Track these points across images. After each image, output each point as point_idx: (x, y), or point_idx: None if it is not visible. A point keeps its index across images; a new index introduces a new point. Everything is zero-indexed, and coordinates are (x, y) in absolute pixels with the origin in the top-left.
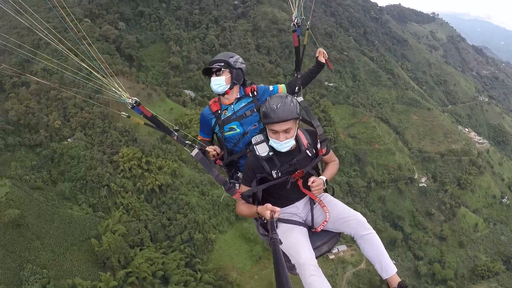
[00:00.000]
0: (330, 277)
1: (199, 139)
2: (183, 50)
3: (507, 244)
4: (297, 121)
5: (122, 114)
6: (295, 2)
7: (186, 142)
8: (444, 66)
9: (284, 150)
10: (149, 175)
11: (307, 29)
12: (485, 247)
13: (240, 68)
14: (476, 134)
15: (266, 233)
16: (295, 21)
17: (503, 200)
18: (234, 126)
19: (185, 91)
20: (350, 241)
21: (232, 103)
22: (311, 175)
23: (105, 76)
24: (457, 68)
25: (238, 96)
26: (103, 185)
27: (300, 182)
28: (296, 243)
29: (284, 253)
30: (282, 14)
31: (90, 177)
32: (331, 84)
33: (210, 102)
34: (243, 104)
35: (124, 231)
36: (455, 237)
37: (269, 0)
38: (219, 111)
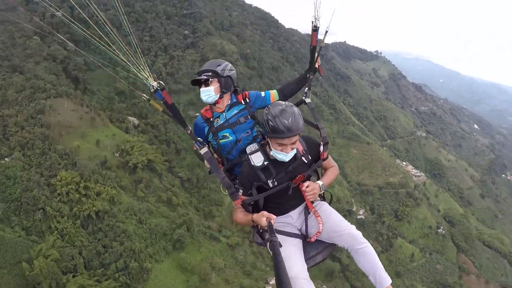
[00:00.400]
0: None
1: (194, 149)
2: (130, 76)
3: (442, 272)
4: None
5: (143, 96)
6: (317, 2)
7: (198, 138)
8: (384, 102)
9: (287, 159)
10: (86, 200)
11: (326, 32)
12: (421, 276)
13: (229, 76)
14: (413, 168)
15: (262, 241)
16: (316, 22)
17: (438, 230)
18: (227, 134)
19: (129, 117)
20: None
21: (223, 111)
22: (311, 178)
23: (132, 56)
24: (397, 104)
25: (229, 103)
26: (38, 208)
27: (301, 186)
28: (287, 256)
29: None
30: (231, 46)
31: (26, 199)
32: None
33: (202, 111)
34: (235, 112)
35: (57, 257)
36: (392, 268)
37: (218, 32)
38: (212, 119)
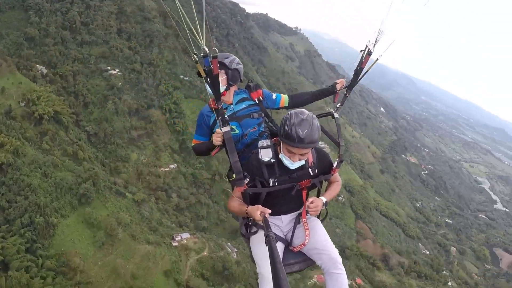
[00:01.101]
0: (174, 263)
1: (193, 143)
2: (42, 22)
3: (341, 235)
4: None
5: (194, 55)
6: (378, 31)
7: (225, 117)
8: (297, 76)
9: (292, 167)
10: None
11: (377, 59)
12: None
13: (236, 69)
14: (321, 143)
15: (246, 233)
16: (372, 48)
17: (339, 198)
18: (233, 127)
19: (37, 66)
20: (194, 229)
21: (231, 103)
22: (314, 188)
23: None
24: (309, 79)
25: (239, 97)
26: None
27: (304, 192)
28: (265, 255)
29: (253, 259)
30: (150, 2)
31: None
32: (186, 78)
33: (210, 101)
34: (244, 106)
35: None
36: None
37: None
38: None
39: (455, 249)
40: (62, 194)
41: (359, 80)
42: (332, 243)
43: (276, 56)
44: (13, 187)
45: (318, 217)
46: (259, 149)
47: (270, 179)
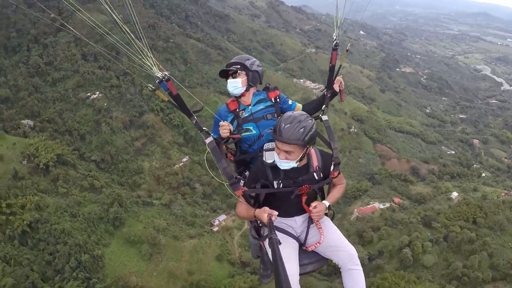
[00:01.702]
0: (221, 246)
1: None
2: (8, 79)
3: (365, 164)
4: (305, 148)
5: (149, 86)
6: (337, 22)
7: (203, 128)
8: (268, 30)
9: (282, 167)
10: (14, 218)
11: (347, 50)
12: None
13: (257, 71)
14: (311, 82)
15: (257, 237)
16: (337, 40)
17: (350, 130)
18: (250, 127)
19: (23, 121)
20: (227, 209)
21: (249, 104)
22: (316, 193)
23: (139, 48)
24: (281, 29)
25: (258, 99)
26: None
27: (303, 198)
28: (284, 255)
29: (270, 260)
30: (102, 16)
31: None
32: (165, 73)
33: (228, 101)
34: (262, 107)
35: (12, 282)
36: None
37: (86, 6)
38: (238, 110)
39: (477, 140)
40: (95, 226)
41: (335, 76)
42: (346, 239)
43: (241, 19)
44: (50, 239)
45: (326, 215)
46: (264, 151)
47: (274, 181)
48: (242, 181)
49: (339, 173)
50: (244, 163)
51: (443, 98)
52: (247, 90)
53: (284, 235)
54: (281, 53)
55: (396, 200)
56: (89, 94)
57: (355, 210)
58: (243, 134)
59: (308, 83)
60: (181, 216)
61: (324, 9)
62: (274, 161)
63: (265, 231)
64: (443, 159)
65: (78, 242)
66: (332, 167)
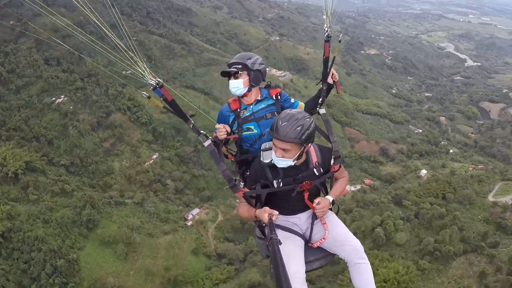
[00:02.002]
0: (197, 240)
1: (213, 136)
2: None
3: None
4: (302, 147)
5: (143, 94)
6: (328, 14)
7: (201, 132)
8: (231, 21)
9: (279, 165)
10: None
11: (339, 41)
12: None
13: (259, 70)
14: (277, 70)
15: (263, 237)
16: (328, 32)
17: (319, 115)
18: (252, 127)
19: None
20: (200, 202)
21: (251, 104)
22: (318, 189)
23: (132, 56)
24: (244, 19)
25: (259, 98)
26: None
27: (305, 194)
28: (289, 253)
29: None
30: (62, 20)
31: None
32: (129, 72)
33: (230, 100)
34: (263, 106)
35: None
36: None
37: (45, 9)
38: (239, 110)
39: (444, 118)
40: (69, 230)
41: (330, 69)
42: (351, 234)
43: (203, 12)
44: (23, 248)
45: (331, 209)
46: (261, 152)
47: (274, 181)
48: (242, 183)
49: (340, 167)
50: (246, 163)
51: (408, 77)
52: (249, 90)
53: (289, 233)
54: (246, 43)
55: (367, 181)
56: (54, 98)
57: (366, 180)
58: (245, 133)
59: (274, 71)
60: (155, 213)
61: None
62: (271, 160)
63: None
64: (411, 138)
65: (52, 248)
66: (332, 161)
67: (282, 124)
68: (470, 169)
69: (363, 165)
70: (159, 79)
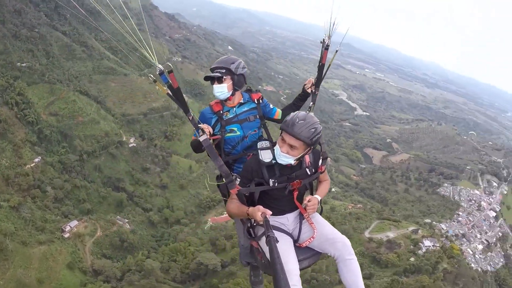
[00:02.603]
0: (73, 254)
1: (192, 139)
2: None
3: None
4: (308, 148)
5: (150, 76)
6: (330, 25)
7: (199, 125)
8: (137, 33)
9: (279, 161)
10: None
11: (337, 51)
12: (204, 184)
13: (242, 74)
14: None
15: (251, 237)
16: (328, 40)
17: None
18: (235, 129)
19: None
20: (80, 215)
21: (234, 106)
22: (306, 189)
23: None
24: (151, 34)
25: (242, 102)
26: None
27: (295, 193)
28: (283, 252)
29: (263, 263)
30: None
31: None
32: (24, 64)
33: (212, 103)
34: (246, 109)
35: None
36: (175, 183)
37: None
38: (221, 112)
39: (329, 158)
40: None
41: (324, 75)
42: (338, 231)
43: (112, 18)
44: None
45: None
46: (259, 150)
47: (270, 180)
48: (238, 180)
49: (324, 170)
50: (227, 165)
51: None
52: (232, 94)
53: (279, 232)
54: (148, 58)
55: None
56: None
57: (209, 219)
58: (228, 135)
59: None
60: (31, 221)
61: (197, 19)
62: (271, 160)
63: (258, 231)
64: None
65: None
66: (320, 161)
67: (299, 122)
68: (350, 207)
69: None
70: (169, 64)
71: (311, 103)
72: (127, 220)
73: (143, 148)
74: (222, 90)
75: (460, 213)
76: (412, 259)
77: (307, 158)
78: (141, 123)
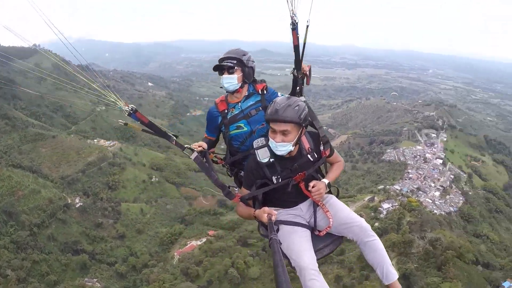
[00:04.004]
0: None
1: (204, 137)
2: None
3: (174, 209)
4: (300, 128)
5: (120, 121)
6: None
7: (185, 146)
8: (56, 92)
9: (278, 153)
10: None
11: (307, 26)
12: (160, 221)
13: (252, 67)
14: (105, 140)
15: (263, 235)
16: (294, 18)
17: (152, 180)
18: (242, 125)
19: None
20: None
21: (239, 101)
22: (314, 177)
23: (101, 87)
24: (69, 90)
25: (246, 94)
26: None
27: (302, 185)
28: (297, 247)
29: (285, 255)
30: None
31: None
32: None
33: (217, 101)
34: (251, 103)
35: None
36: (131, 229)
37: None
38: (226, 110)
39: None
40: None
41: (302, 56)
42: (355, 213)
43: (27, 84)
44: None
45: (330, 193)
46: (256, 150)
47: (273, 177)
48: (236, 189)
49: (332, 151)
50: (237, 164)
51: None
52: (242, 86)
53: (293, 226)
54: (72, 115)
55: (211, 232)
56: None
57: (175, 253)
58: (235, 131)
59: (102, 141)
60: None
61: (111, 64)
62: (269, 158)
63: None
64: None
65: None
66: (321, 147)
67: (281, 105)
68: None
69: (205, 219)
70: (132, 105)
71: (298, 88)
72: (96, 280)
73: (91, 205)
74: (232, 81)
75: (410, 171)
76: (376, 224)
77: (306, 144)
78: (82, 180)
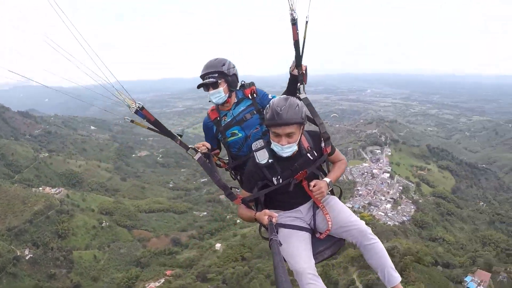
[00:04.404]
0: None
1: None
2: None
3: (128, 253)
4: (302, 127)
5: (126, 118)
6: None
7: (190, 146)
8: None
9: (285, 155)
10: None
11: (307, 22)
12: (115, 267)
13: (235, 74)
14: (51, 188)
15: (264, 238)
16: (293, 15)
17: (102, 225)
18: (236, 131)
19: None
20: None
21: (230, 108)
22: (316, 176)
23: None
24: (9, 138)
25: (236, 100)
26: None
27: (304, 184)
28: (294, 250)
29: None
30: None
31: None
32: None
33: (209, 111)
34: (242, 108)
35: None
36: (86, 278)
37: None
38: (218, 118)
39: (223, 196)
40: None
41: (302, 51)
42: (356, 216)
43: None
44: None
45: (333, 193)
46: (255, 152)
47: (273, 178)
48: (237, 190)
49: (333, 149)
50: (240, 167)
51: (182, 169)
52: (229, 96)
53: (293, 230)
54: (14, 163)
55: (168, 272)
56: None
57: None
58: (230, 138)
59: (47, 189)
60: None
61: (52, 110)
62: (267, 160)
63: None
64: (198, 222)
65: None
66: (322, 144)
67: (282, 109)
68: None
69: (161, 260)
70: (139, 102)
71: (299, 84)
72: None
73: (41, 255)
74: (219, 94)
75: (359, 188)
76: None
77: (305, 143)
78: (30, 231)
